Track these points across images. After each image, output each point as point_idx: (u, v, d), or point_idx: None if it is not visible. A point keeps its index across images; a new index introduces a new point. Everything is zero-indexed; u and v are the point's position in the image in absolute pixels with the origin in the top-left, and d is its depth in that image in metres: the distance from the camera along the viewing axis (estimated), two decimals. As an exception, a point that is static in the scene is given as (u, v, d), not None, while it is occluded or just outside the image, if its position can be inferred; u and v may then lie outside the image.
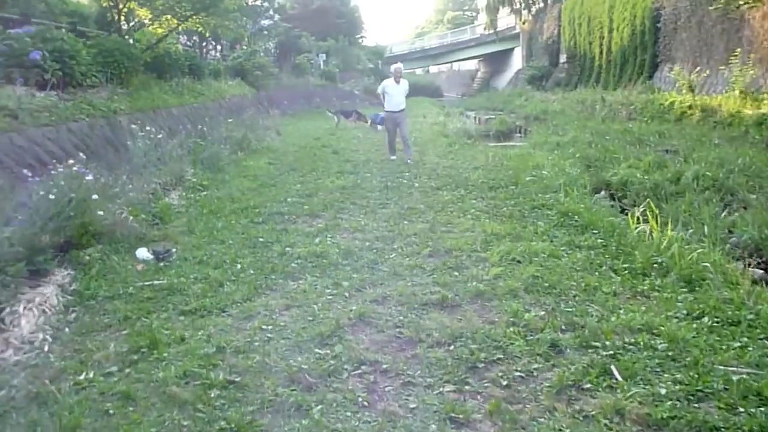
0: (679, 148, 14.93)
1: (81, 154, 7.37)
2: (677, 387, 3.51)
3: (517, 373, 3.73)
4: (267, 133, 16.35)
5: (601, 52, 34.33)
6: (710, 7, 22.88)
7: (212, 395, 3.47)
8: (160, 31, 14.60)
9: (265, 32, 27.69)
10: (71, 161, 6.06)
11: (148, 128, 9.47)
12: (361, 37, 43.39)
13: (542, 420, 3.26)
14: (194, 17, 14.68)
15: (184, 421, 3.23)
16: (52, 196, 5.47)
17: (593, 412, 3.30)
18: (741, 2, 21.24)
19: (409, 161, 12.23)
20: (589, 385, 3.57)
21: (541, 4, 44.61)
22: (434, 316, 4.58)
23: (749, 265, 6.07)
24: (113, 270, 5.67)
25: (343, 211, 7.99)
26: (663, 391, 3.46)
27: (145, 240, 6.65)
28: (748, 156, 12.19)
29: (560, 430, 3.17)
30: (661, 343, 4.05)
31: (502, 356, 3.94)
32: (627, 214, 8.40)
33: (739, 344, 4.05)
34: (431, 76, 67.94)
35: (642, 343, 4.07)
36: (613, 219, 7.63)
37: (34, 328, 4.44)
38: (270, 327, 4.41)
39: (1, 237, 4.94)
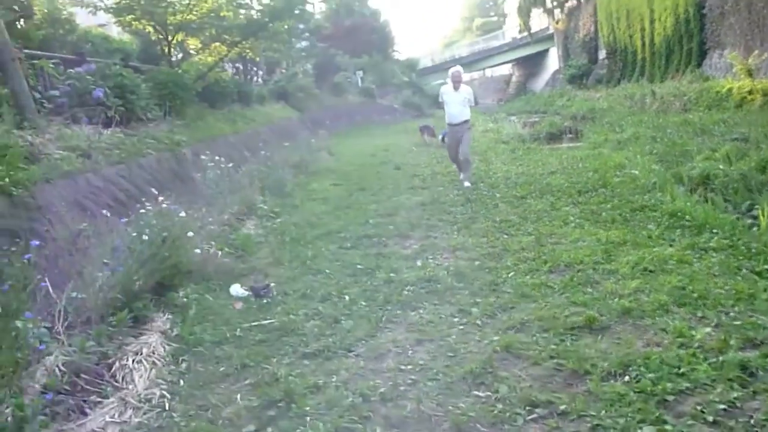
0: (748, 135, 14.19)
1: (153, 189, 7.09)
2: None
3: (719, 406, 3.17)
4: (320, 154, 16.01)
5: (643, 45, 33.41)
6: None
7: (376, 456, 3.01)
8: (209, 59, 14.41)
9: (303, 53, 27.57)
10: (161, 198, 5.71)
11: (217, 158, 9.15)
12: (394, 51, 43.16)
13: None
14: (243, 43, 14.47)
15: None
16: (145, 237, 5.12)
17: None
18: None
19: (467, 185, 10.17)
20: (814, 419, 3.01)
21: (575, 2, 43.84)
22: (588, 342, 4.04)
23: None
24: (212, 311, 5.28)
25: (433, 229, 7.51)
26: None
27: (234, 275, 6.26)
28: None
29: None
30: None
31: (689, 385, 3.39)
32: (728, 210, 7.84)
33: None
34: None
35: None
36: (729, 216, 7.02)
37: (147, 383, 4.05)
38: (409, 367, 3.92)
39: (100, 284, 4.59)
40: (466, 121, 10.80)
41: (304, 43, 27.54)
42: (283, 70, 26.59)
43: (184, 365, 4.34)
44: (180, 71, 12.84)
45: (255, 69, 23.62)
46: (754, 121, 16.05)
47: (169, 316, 5.12)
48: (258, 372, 4.06)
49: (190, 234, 5.44)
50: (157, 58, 14.07)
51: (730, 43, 25.52)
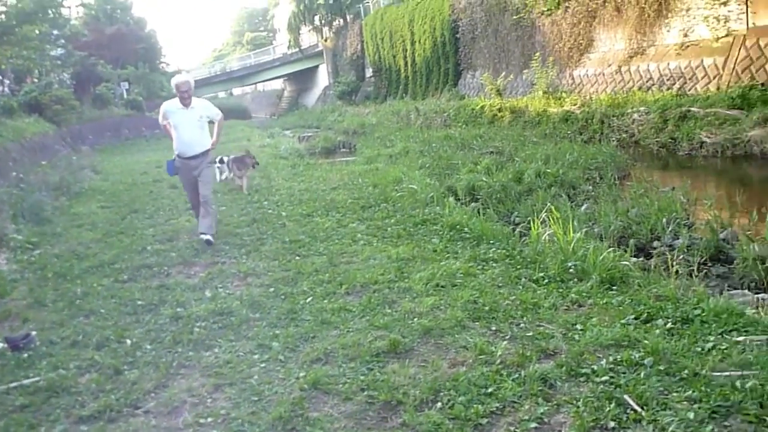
0: (502, 148, 15.64)
1: None
2: (698, 406, 3.23)
3: (530, 424, 3.23)
4: (84, 173, 14.50)
5: (406, 64, 35.58)
6: (506, 17, 24.56)
7: None
8: (-63, 66, 12.31)
9: (59, 62, 24.91)
10: None
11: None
12: (162, 62, 40.98)
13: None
14: (-18, 48, 12.59)
15: None
16: None
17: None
18: (534, 12, 22.98)
19: (207, 238, 7.40)
20: (613, 424, 3.17)
21: (341, 21, 45.30)
22: (395, 368, 3.94)
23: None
24: (-45, 373, 4.34)
25: (219, 254, 7.03)
26: (692, 415, 3.15)
27: (-19, 324, 5.27)
28: (571, 151, 12.98)
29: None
30: (644, 357, 3.79)
31: (499, 405, 3.42)
32: (498, 220, 8.45)
33: (711, 344, 3.91)
34: (236, 99, 66.46)
35: (626, 360, 3.78)
36: (503, 227, 7.52)
37: None
38: (210, 419, 3.49)
39: None
40: (205, 153, 7.81)
41: (59, 51, 24.89)
42: (36, 80, 23.82)
43: None
44: None
45: (0, 78, 20.83)
46: (505, 135, 17.76)
47: None
48: (20, 449, 3.36)
49: None
50: None
51: (481, 65, 28.15)
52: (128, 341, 4.67)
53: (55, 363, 4.39)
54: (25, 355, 4.56)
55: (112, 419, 3.58)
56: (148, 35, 38.55)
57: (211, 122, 8.07)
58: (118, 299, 5.70)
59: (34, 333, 4.90)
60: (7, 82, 21.43)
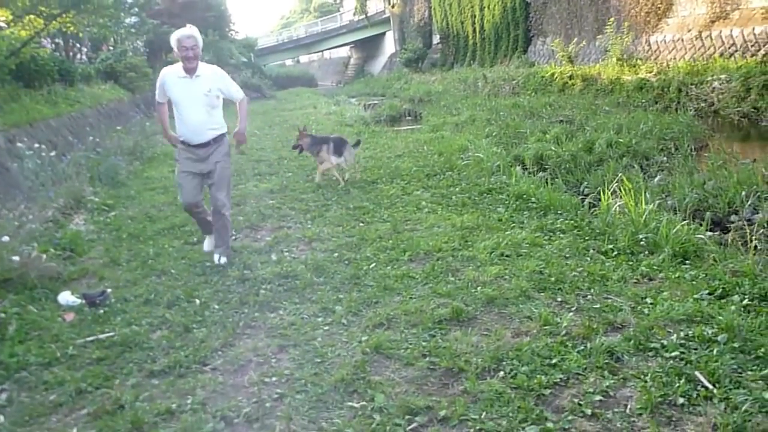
0: (572, 117, 15.20)
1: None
2: (774, 388, 3.09)
3: (595, 397, 3.16)
4: (156, 138, 14.85)
5: (474, 31, 34.87)
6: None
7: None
8: (23, 33, 12.76)
9: (133, 30, 25.54)
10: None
11: (36, 145, 8.07)
12: (231, 30, 41.49)
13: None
14: (62, 16, 12.96)
15: None
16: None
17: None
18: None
19: (222, 261, 5.61)
20: (682, 400, 3.07)
21: (409, -13, 44.70)
22: (458, 336, 3.92)
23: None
24: (37, 325, 4.56)
25: (285, 219, 7.12)
26: (767, 395, 3.02)
27: (62, 281, 5.50)
28: (645, 120, 12.47)
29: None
30: (717, 334, 3.64)
31: (563, 376, 3.36)
32: (567, 190, 8.23)
33: (791, 323, 3.72)
34: (303, 66, 66.71)
35: (698, 336, 3.65)
36: (571, 198, 7.33)
37: (-43, 424, 3.36)
38: (274, 379, 3.56)
39: None
40: (220, 140, 5.63)
41: (133, 19, 25.48)
42: (111, 48, 24.50)
43: (3, 396, 3.67)
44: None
45: (78, 46, 21.51)
46: (576, 104, 17.26)
47: (-17, 338, 4.34)
48: (97, 398, 3.50)
49: (6, 239, 4.64)
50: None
51: (552, 31, 27.31)
52: (197, 301, 4.81)
53: (128, 319, 4.57)
54: (101, 311, 4.76)
55: (181, 375, 3.70)
56: (218, 3, 38.95)
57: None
58: (188, 260, 5.86)
59: (109, 290, 5.11)
60: (84, 50, 22.11)
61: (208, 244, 6.00)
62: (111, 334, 4.32)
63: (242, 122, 5.86)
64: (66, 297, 5.03)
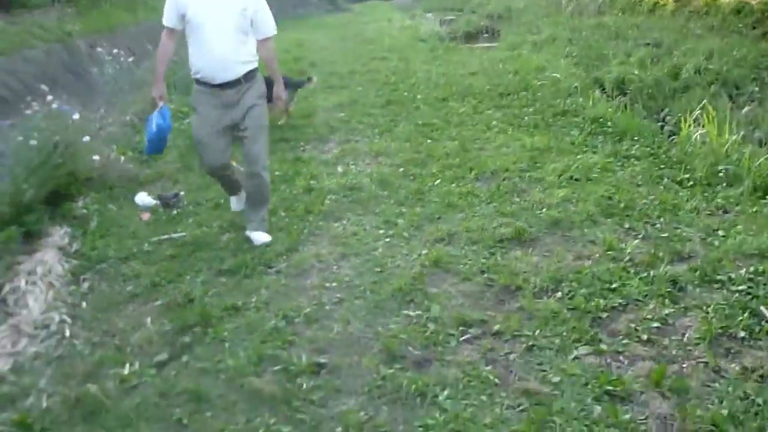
0: (660, 40, 14.36)
1: (42, 86, 6.30)
2: None
3: (652, 323, 3.14)
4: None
5: (562, -57, 32.97)
6: None
7: (303, 386, 2.79)
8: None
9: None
10: (50, 97, 5.04)
11: (116, 51, 8.27)
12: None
13: (715, 386, 2.69)
14: None
15: (284, 427, 2.55)
16: (33, 142, 4.52)
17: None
18: None
19: (263, 239, 4.31)
20: (743, 333, 3.01)
21: None
22: (518, 255, 3.93)
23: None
24: (116, 222, 4.82)
25: (353, 133, 7.13)
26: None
27: (139, 182, 5.75)
28: (741, 47, 11.66)
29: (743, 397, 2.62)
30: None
31: (622, 301, 3.34)
32: (646, 116, 7.89)
33: None
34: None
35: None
36: (649, 124, 7.04)
37: (44, 306, 3.63)
38: (335, 284, 3.69)
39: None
40: (251, 74, 4.17)
41: None
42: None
43: (86, 285, 3.94)
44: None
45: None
46: (666, 26, 16.23)
47: (68, 230, 4.62)
48: (169, 292, 3.72)
49: (87, 138, 4.85)
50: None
51: (647, -55, 25.49)
52: (265, 207, 4.94)
53: (199, 221, 4.77)
54: (175, 212, 4.99)
55: (247, 275, 3.87)
56: None
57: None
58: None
59: (182, 193, 5.32)
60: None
61: (236, 203, 4.79)
62: (183, 234, 4.54)
63: (277, 74, 4.56)
64: (142, 198, 5.26)
